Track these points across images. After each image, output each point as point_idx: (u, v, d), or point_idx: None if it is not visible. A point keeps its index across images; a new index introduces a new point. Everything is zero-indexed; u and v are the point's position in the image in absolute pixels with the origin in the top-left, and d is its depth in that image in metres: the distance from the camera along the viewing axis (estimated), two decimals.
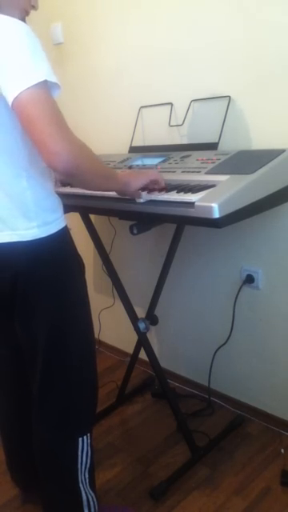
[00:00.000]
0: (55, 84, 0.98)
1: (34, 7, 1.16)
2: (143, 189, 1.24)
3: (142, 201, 1.25)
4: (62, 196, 1.25)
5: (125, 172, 1.26)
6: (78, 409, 1.25)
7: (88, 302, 1.26)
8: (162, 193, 1.24)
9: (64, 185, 1.51)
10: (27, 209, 1.07)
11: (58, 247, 1.13)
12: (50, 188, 1.13)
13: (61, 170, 0.98)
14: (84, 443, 1.25)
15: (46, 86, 0.95)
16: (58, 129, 0.95)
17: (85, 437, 1.25)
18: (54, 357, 1.18)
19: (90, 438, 1.27)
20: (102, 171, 1.12)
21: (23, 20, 1.11)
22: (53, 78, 0.97)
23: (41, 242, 1.09)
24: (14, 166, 1.05)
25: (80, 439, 1.24)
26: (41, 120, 0.94)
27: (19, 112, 0.95)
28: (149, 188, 1.26)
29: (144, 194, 1.24)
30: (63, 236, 1.15)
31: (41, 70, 0.95)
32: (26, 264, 1.09)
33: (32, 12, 1.17)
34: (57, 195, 1.16)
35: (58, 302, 1.15)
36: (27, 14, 1.15)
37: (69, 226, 1.18)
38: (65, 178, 1.14)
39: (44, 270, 1.11)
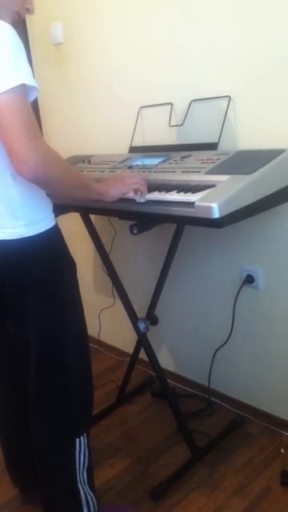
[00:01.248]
0: (34, 87, 0.98)
1: (28, 11, 1.16)
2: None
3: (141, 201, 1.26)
4: None
5: (105, 181, 1.26)
6: (74, 410, 1.25)
7: (80, 302, 1.25)
8: (143, 195, 1.27)
9: None
10: (14, 207, 1.08)
11: (47, 246, 1.13)
12: (37, 187, 1.12)
13: (28, 179, 0.99)
14: (81, 444, 1.25)
15: (22, 91, 0.96)
16: (27, 138, 0.95)
17: (81, 437, 1.25)
18: (48, 357, 1.18)
19: (87, 439, 1.28)
20: (72, 182, 1.11)
21: (15, 23, 1.11)
22: (31, 82, 0.97)
23: (29, 241, 1.09)
24: None
25: (77, 440, 1.25)
26: (13, 128, 0.95)
27: None
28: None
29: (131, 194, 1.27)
30: (53, 235, 1.15)
31: (19, 74, 0.95)
32: (15, 263, 1.09)
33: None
34: (45, 195, 1.15)
35: (50, 301, 1.15)
36: (20, 17, 1.15)
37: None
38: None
39: (33, 270, 1.11)
